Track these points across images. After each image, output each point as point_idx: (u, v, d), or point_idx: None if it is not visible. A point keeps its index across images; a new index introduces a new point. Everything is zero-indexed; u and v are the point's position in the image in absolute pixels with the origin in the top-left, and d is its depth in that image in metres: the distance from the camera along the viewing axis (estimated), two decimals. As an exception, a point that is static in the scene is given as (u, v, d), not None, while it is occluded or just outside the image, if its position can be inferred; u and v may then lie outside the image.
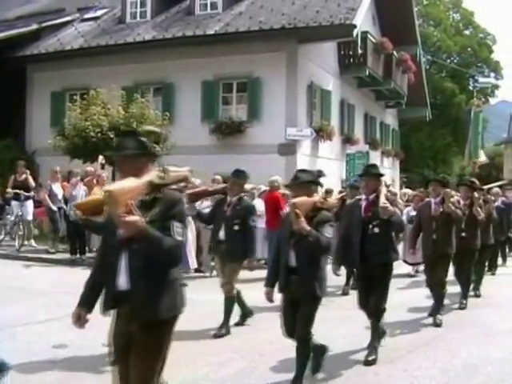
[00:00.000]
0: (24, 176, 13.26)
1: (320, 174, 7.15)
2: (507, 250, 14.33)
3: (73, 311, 3.37)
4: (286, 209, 7.33)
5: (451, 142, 38.51)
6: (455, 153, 40.02)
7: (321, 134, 17.17)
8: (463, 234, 8.09)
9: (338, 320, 6.95)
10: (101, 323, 3.65)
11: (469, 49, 41.06)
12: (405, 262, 11.12)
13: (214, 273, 9.56)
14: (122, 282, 3.22)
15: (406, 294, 9.06)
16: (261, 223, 11.49)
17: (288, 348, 4.69)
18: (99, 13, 20.61)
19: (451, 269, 7.92)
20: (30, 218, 13.28)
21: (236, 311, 6.86)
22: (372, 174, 5.88)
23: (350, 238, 5.85)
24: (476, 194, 8.59)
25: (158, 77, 17.00)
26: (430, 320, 7.27)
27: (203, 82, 16.69)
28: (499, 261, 12.51)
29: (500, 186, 20.12)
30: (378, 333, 5.73)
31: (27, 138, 18.83)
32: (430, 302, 7.57)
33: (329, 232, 4.73)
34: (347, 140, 19.98)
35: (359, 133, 21.54)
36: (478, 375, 5.30)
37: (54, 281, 9.72)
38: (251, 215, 6.79)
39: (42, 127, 17.76)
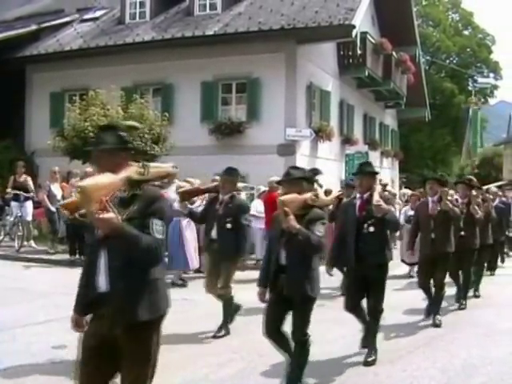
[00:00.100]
0: (24, 177, 13.27)
1: (316, 171, 7.08)
2: (506, 249, 14.33)
3: (71, 316, 3.34)
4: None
5: (450, 142, 38.56)
6: (454, 153, 40.09)
7: (320, 134, 17.17)
8: (462, 233, 8.04)
9: (337, 321, 6.93)
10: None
11: (468, 49, 41.13)
12: (403, 261, 11.13)
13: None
14: (101, 283, 3.12)
15: (404, 295, 9.05)
16: (260, 224, 11.52)
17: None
18: (98, 13, 20.61)
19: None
20: (29, 218, 13.27)
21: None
22: (366, 173, 5.81)
23: (346, 238, 5.79)
24: (474, 192, 8.54)
25: (158, 77, 17.00)
26: (430, 321, 7.26)
27: (202, 82, 16.68)
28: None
29: (500, 187, 20.12)
30: (376, 333, 5.71)
31: (26, 139, 18.82)
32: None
33: (320, 230, 4.58)
34: (346, 140, 19.98)
35: (358, 133, 21.54)
36: (477, 375, 5.30)
37: (53, 281, 9.71)
38: (244, 213, 6.69)
39: (41, 128, 17.75)
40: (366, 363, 5.52)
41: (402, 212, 12.52)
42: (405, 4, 22.94)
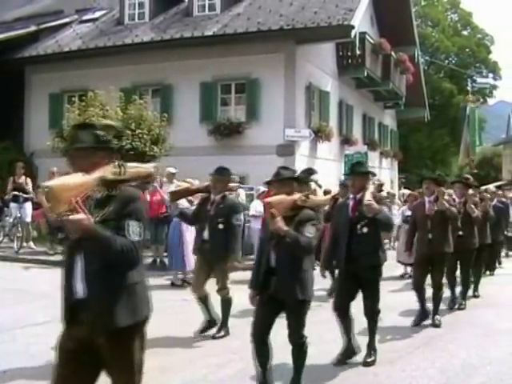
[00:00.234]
0: (23, 178, 13.26)
1: (311, 171, 7.04)
2: (505, 250, 14.31)
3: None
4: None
5: (450, 143, 38.54)
6: (454, 153, 39.98)
7: (319, 134, 17.19)
8: (460, 233, 7.98)
9: (336, 321, 6.94)
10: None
11: (467, 49, 41.13)
12: (399, 262, 11.09)
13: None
14: (79, 288, 3.04)
15: (402, 296, 9.03)
16: (260, 224, 11.51)
17: (286, 349, 4.67)
18: (97, 14, 20.63)
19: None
20: (28, 219, 13.26)
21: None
22: (358, 173, 5.72)
23: (339, 239, 5.72)
24: (471, 191, 8.47)
25: (157, 78, 17.01)
26: (429, 321, 7.26)
27: (201, 83, 16.69)
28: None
29: (499, 187, 20.12)
30: (374, 334, 5.69)
31: (25, 140, 18.82)
32: (427, 304, 7.45)
33: (310, 232, 4.49)
34: (346, 141, 20.00)
35: (358, 133, 21.56)
36: (476, 375, 5.30)
37: (52, 283, 9.61)
38: (235, 214, 6.52)
39: (40, 129, 17.75)
40: (366, 363, 5.52)
41: (399, 212, 12.50)
42: (404, 4, 22.96)
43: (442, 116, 36.66)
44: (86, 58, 17.52)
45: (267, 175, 4.86)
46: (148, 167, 3.40)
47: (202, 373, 5.29)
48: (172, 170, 12.46)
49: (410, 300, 7.64)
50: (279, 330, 4.58)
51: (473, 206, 8.21)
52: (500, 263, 12.29)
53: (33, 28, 19.27)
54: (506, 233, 12.78)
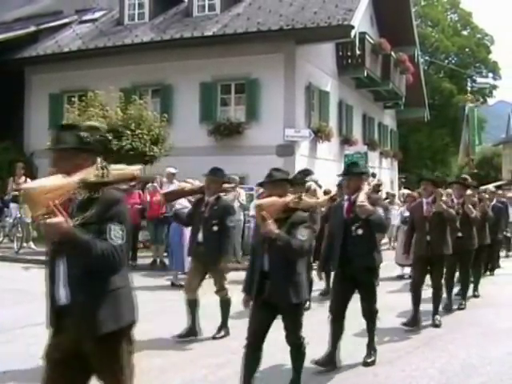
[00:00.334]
0: (23, 178, 13.26)
1: (307, 172, 6.99)
2: (506, 251, 14.29)
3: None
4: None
5: (449, 143, 38.54)
6: (453, 153, 40.00)
7: (319, 134, 17.18)
8: (459, 234, 7.94)
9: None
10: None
11: (467, 49, 41.14)
12: (397, 264, 11.02)
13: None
14: (62, 294, 3.00)
15: (402, 296, 9.03)
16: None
17: (286, 349, 4.67)
18: (97, 15, 20.63)
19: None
20: (28, 220, 13.25)
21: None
22: (353, 173, 5.64)
23: (334, 240, 5.63)
24: (469, 192, 8.41)
25: (156, 78, 17.01)
26: (429, 321, 7.26)
27: (201, 83, 16.69)
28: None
29: (499, 187, 20.10)
30: (374, 334, 5.67)
31: (25, 140, 18.82)
32: (426, 304, 7.40)
33: (303, 234, 4.38)
34: (345, 141, 20.00)
35: (357, 134, 21.55)
36: (476, 375, 5.30)
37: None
38: (229, 215, 6.47)
39: (40, 129, 17.71)
40: (365, 364, 5.52)
41: (397, 213, 12.45)
42: (403, 4, 22.95)
43: (442, 116, 36.66)
44: (85, 59, 17.51)
45: (267, 175, 4.86)
46: (133, 169, 3.31)
47: (201, 373, 5.30)
48: (172, 170, 12.46)
49: (410, 300, 7.63)
50: (281, 331, 4.57)
51: (471, 207, 8.16)
52: (499, 267, 12.16)
53: (32, 28, 19.28)
54: (504, 233, 12.67)
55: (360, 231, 5.41)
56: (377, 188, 10.44)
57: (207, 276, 6.62)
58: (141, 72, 16.88)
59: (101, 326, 2.92)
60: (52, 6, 21.67)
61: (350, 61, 19.28)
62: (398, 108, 26.61)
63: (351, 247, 5.42)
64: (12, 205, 13.20)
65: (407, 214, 9.88)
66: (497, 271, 11.84)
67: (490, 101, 47.48)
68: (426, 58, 40.10)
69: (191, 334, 6.42)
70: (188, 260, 9.57)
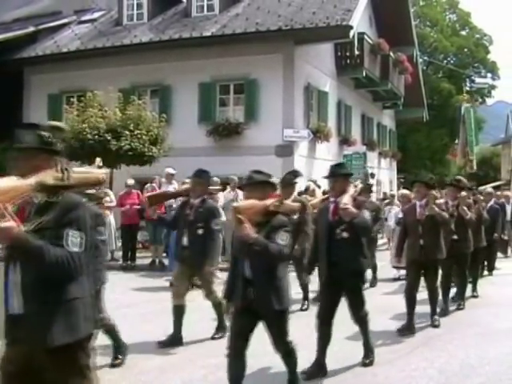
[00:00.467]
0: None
1: (296, 174, 6.92)
2: (502, 253, 14.23)
3: None
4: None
5: (448, 143, 38.58)
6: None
7: (318, 135, 17.19)
8: (455, 237, 7.80)
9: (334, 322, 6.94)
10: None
11: (465, 49, 41.18)
12: (393, 266, 10.97)
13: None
14: (14, 303, 2.82)
15: (400, 297, 9.04)
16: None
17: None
18: (96, 15, 20.62)
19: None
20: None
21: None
22: (338, 175, 5.44)
23: (321, 244, 5.48)
24: (463, 193, 8.24)
25: (155, 79, 17.01)
26: (427, 322, 7.26)
27: (200, 83, 16.69)
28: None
29: (498, 187, 20.11)
30: (368, 336, 5.59)
31: (24, 141, 18.78)
32: (424, 304, 7.39)
33: (283, 238, 4.22)
34: (344, 141, 20.01)
35: (356, 134, 21.57)
36: (475, 375, 5.31)
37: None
38: (214, 218, 6.35)
39: (39, 130, 17.73)
40: (364, 364, 5.52)
41: (392, 214, 12.34)
42: (402, 4, 22.99)
43: (441, 116, 36.69)
44: (84, 59, 17.51)
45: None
46: (97, 173, 3.18)
47: (201, 373, 5.31)
48: (171, 170, 12.46)
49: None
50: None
51: (465, 209, 7.99)
52: (495, 268, 12.11)
53: (31, 29, 19.25)
54: (502, 236, 12.52)
55: (345, 234, 5.24)
56: (368, 190, 10.13)
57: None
58: (139, 72, 16.89)
59: (53, 338, 2.76)
60: (51, 7, 21.65)
61: (348, 61, 19.30)
62: (396, 108, 26.64)
63: (336, 250, 5.26)
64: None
65: (401, 215, 9.76)
66: (495, 272, 11.82)
67: (489, 101, 47.64)
68: (425, 58, 40.13)
69: (173, 343, 6.22)
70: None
